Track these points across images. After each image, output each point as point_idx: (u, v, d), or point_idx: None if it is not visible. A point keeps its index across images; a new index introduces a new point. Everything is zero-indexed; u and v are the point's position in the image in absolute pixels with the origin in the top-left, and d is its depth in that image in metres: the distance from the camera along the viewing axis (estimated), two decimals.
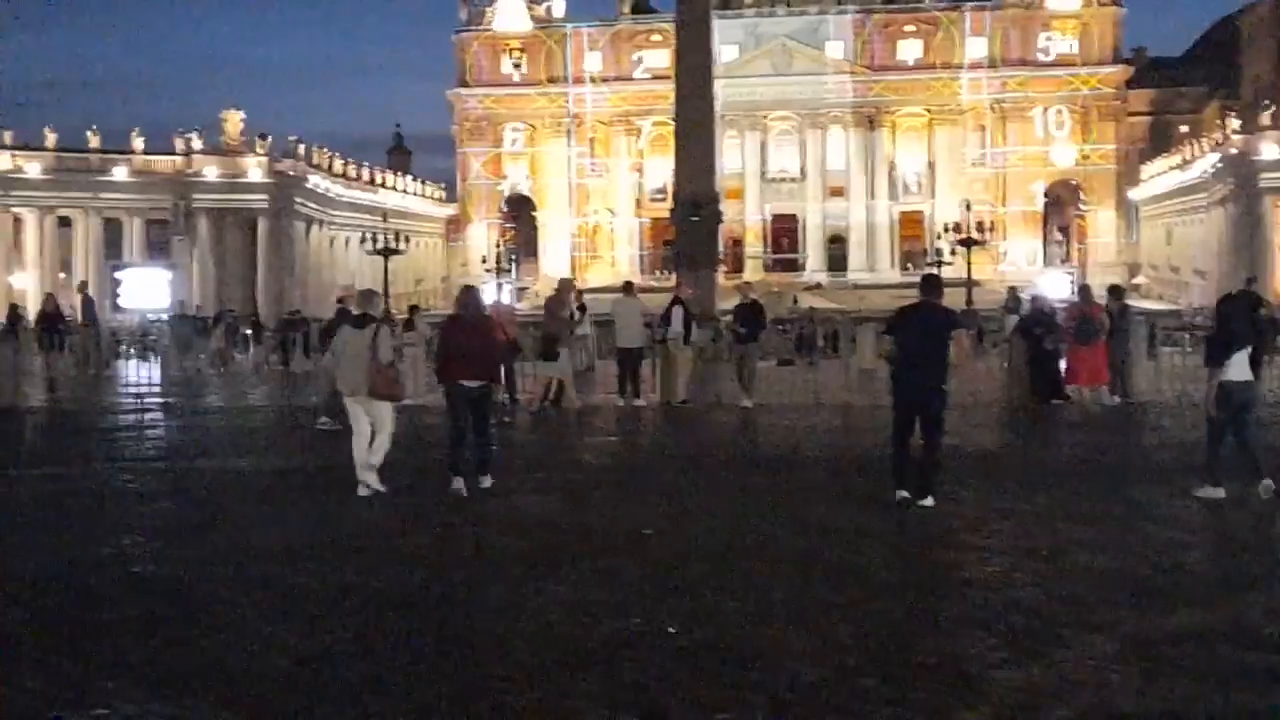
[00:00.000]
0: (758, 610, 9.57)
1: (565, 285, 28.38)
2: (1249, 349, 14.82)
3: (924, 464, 14.46)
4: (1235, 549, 12.36)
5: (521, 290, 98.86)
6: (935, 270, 18.00)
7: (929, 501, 14.24)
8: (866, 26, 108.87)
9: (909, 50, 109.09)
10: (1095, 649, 8.46)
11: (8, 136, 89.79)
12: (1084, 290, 26.65)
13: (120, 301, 63.39)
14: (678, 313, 26.35)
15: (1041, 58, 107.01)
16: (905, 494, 14.33)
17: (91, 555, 11.96)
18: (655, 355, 26.97)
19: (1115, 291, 27.44)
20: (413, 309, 32.67)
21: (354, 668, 8.22)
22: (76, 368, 37.74)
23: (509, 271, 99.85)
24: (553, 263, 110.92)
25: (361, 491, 14.94)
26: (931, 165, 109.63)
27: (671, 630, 8.92)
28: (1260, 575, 10.99)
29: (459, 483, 15.04)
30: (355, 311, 15.47)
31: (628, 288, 28.80)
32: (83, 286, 44.05)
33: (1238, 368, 14.65)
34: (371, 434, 15.21)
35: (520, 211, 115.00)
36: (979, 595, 10.01)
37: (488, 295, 43.62)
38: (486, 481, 15.41)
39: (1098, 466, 17.61)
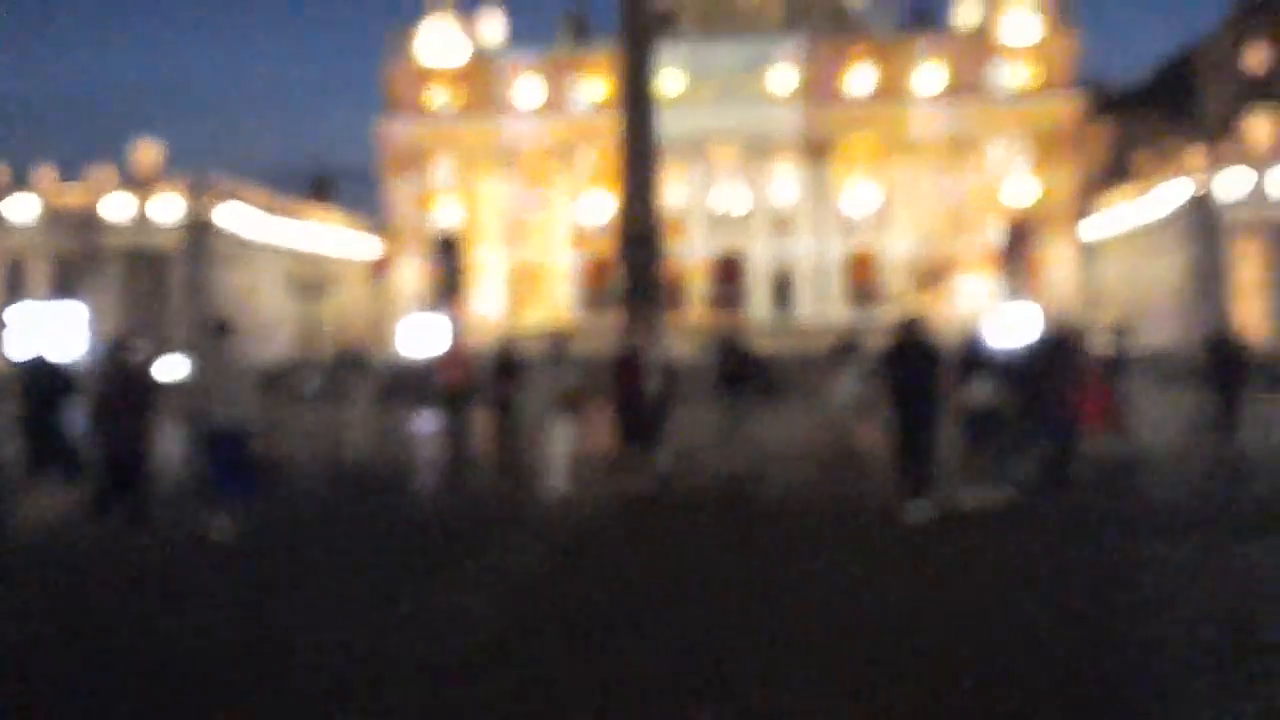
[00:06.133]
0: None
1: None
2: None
3: (918, 472, 16.94)
4: None
5: (455, 329, 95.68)
6: (918, 316, 17.32)
7: (923, 507, 16.43)
8: (814, 55, 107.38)
9: (859, 80, 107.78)
10: None
11: None
12: (1073, 330, 25.18)
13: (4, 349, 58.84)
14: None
15: (996, 88, 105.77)
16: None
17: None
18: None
19: (1121, 331, 26.97)
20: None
21: None
22: None
23: (440, 311, 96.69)
24: (487, 301, 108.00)
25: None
26: (885, 200, 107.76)
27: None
28: None
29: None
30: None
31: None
32: None
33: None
34: None
35: (451, 248, 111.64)
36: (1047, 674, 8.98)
37: (444, 335, 40.94)
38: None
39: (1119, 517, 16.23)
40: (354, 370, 32.23)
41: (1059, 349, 19.34)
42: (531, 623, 11.18)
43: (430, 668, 9.57)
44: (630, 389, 20.77)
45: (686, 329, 67.59)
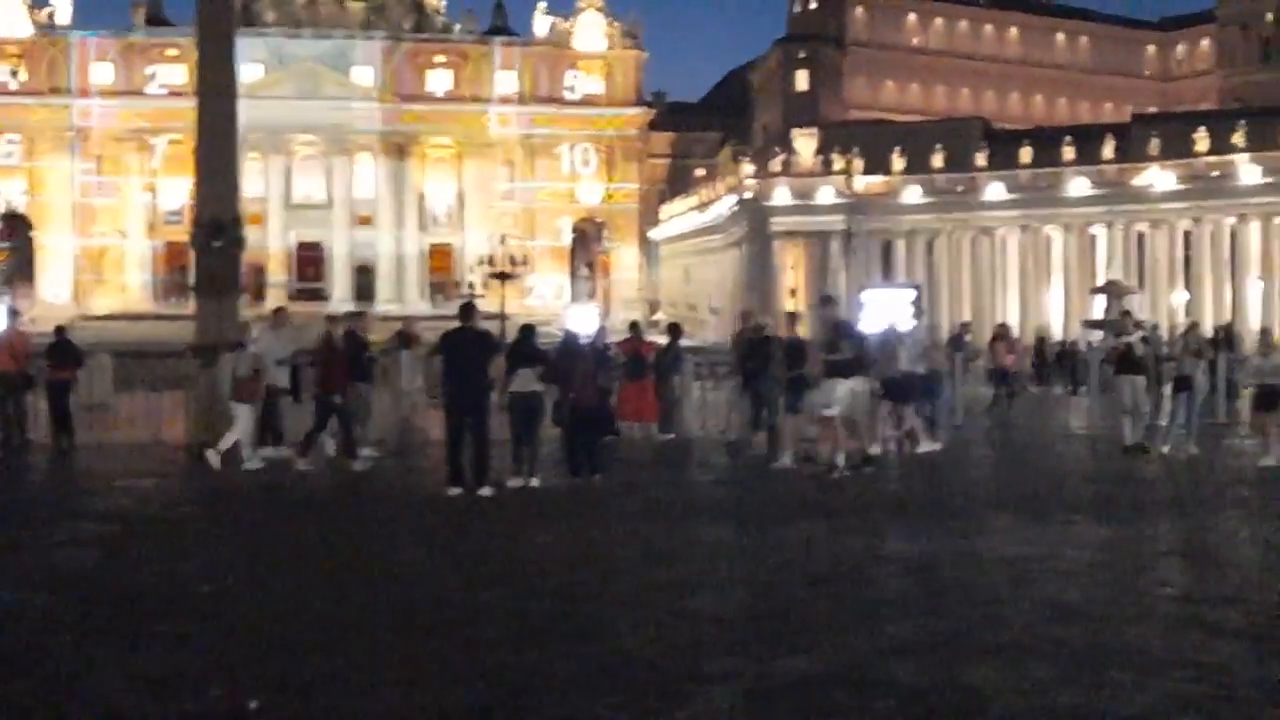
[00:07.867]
0: (366, 674, 8.54)
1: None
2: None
3: (477, 459, 17.13)
4: (836, 583, 11.86)
5: (14, 315, 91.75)
6: (471, 300, 19.51)
7: (488, 491, 16.88)
8: (395, 54, 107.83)
9: (439, 81, 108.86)
10: (717, 701, 7.92)
11: None
12: (634, 327, 26.64)
13: None
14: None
15: (569, 96, 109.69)
16: (459, 490, 16.93)
17: None
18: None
19: (674, 330, 28.01)
20: None
21: None
22: None
23: (2, 296, 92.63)
24: (53, 286, 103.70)
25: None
26: (461, 198, 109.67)
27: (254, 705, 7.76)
28: (867, 614, 10.47)
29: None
30: None
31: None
32: None
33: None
34: None
35: (15, 230, 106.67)
36: (591, 646, 9.25)
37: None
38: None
39: (661, 504, 17.37)
40: None
41: (579, 346, 19.88)
42: (77, 615, 10.30)
43: None
44: (334, 373, 20.77)
45: (266, 318, 67.93)
